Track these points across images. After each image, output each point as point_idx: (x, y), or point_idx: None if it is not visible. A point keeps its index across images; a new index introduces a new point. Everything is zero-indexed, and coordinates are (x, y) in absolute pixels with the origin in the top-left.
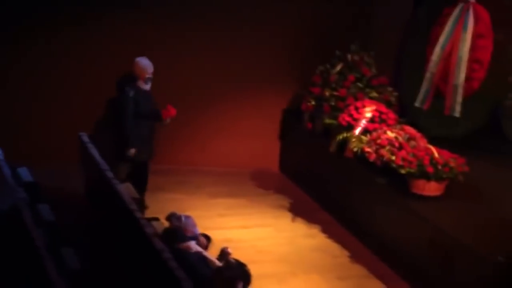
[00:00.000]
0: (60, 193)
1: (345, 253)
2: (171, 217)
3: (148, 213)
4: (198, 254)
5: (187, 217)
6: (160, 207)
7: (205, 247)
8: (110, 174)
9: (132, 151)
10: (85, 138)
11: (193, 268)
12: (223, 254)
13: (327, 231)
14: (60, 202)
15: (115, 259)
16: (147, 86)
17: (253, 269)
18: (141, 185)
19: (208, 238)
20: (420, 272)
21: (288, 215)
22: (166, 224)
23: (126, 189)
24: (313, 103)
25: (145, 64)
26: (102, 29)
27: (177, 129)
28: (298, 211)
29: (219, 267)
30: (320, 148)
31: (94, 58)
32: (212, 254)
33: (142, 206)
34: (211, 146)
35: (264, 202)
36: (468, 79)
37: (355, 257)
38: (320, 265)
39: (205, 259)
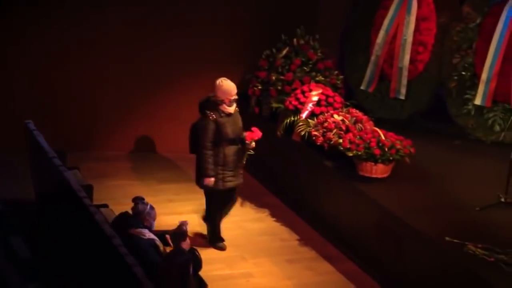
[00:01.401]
0: (7, 182)
1: (294, 236)
2: (138, 199)
3: (97, 200)
4: (151, 241)
5: (152, 207)
6: (109, 193)
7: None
8: (57, 162)
9: (211, 180)
10: (31, 125)
11: (144, 254)
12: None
13: (275, 214)
14: (7, 190)
15: (65, 247)
16: (231, 109)
17: (202, 253)
18: (222, 211)
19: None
20: (368, 253)
21: (237, 200)
22: (115, 211)
23: (74, 176)
24: (259, 87)
25: (229, 86)
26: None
27: (124, 116)
28: (246, 195)
29: (169, 252)
30: (267, 132)
31: (39, 45)
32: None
33: (215, 236)
34: (159, 132)
35: None
36: (412, 61)
37: (304, 240)
38: (269, 249)
39: (157, 247)
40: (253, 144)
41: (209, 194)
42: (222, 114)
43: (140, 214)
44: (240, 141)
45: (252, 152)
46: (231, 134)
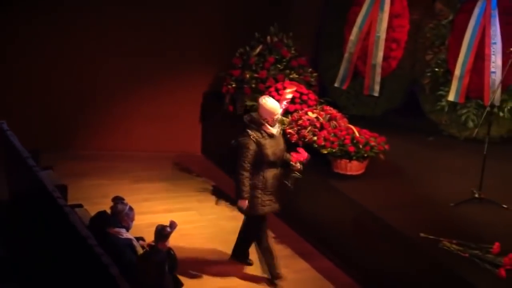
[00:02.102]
0: None
1: (269, 234)
2: (118, 199)
3: (71, 200)
4: (128, 240)
5: (131, 208)
6: (84, 193)
7: None
8: (31, 162)
9: (245, 203)
10: (5, 126)
11: (121, 253)
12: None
13: None
14: None
15: (41, 247)
16: (273, 129)
17: (178, 252)
18: (257, 238)
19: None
20: (344, 250)
21: (212, 198)
22: (90, 210)
23: (49, 176)
24: (233, 85)
25: (273, 105)
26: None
27: (99, 115)
28: (221, 193)
29: (145, 252)
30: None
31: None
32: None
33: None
34: (134, 131)
35: (188, 186)
36: (386, 58)
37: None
38: None
39: (134, 248)
40: (299, 165)
41: (247, 218)
42: (264, 135)
43: (119, 214)
44: (282, 163)
45: (299, 175)
46: (272, 156)
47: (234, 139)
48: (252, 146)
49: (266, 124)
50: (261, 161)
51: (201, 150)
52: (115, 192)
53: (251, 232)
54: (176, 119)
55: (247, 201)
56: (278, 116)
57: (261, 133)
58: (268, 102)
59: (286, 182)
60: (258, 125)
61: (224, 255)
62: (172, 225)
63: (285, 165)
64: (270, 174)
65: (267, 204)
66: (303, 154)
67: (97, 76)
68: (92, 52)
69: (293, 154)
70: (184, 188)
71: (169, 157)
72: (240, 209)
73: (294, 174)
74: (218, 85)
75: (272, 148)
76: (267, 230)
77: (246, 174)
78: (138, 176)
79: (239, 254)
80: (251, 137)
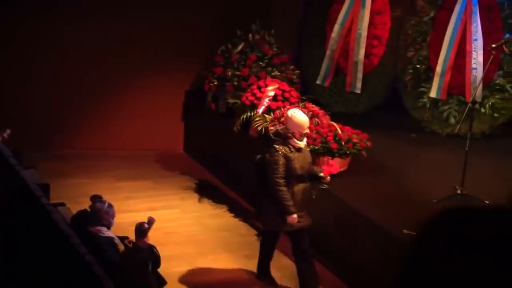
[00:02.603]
0: None
1: (252, 231)
2: (96, 198)
3: (54, 198)
4: (109, 239)
5: (111, 205)
6: (65, 192)
7: None
8: (13, 161)
9: (295, 217)
10: None
11: (103, 252)
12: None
13: (233, 210)
14: None
15: (23, 247)
16: (301, 143)
17: (161, 250)
18: (301, 256)
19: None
20: (326, 246)
21: (195, 196)
22: (72, 209)
23: (31, 175)
24: (215, 83)
25: (302, 118)
26: None
27: (81, 114)
28: (204, 191)
29: (128, 250)
30: (224, 128)
31: None
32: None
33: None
34: (116, 129)
35: (170, 184)
36: (367, 55)
37: None
38: (227, 245)
39: (115, 246)
40: (329, 178)
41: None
42: (292, 149)
43: (98, 212)
44: (310, 177)
45: (327, 187)
46: (300, 170)
47: (259, 154)
48: (282, 161)
49: (294, 139)
50: (289, 176)
51: (184, 148)
52: (98, 190)
53: (264, 248)
54: (159, 117)
55: (295, 215)
56: (307, 130)
57: (289, 148)
58: (297, 116)
59: (312, 193)
60: (285, 139)
61: (207, 252)
62: (150, 220)
63: (313, 177)
64: (299, 188)
65: (300, 220)
66: (335, 167)
67: (78, 75)
68: (72, 52)
69: (325, 167)
70: (167, 186)
71: (151, 155)
72: (289, 226)
73: (322, 187)
74: (200, 83)
75: (300, 162)
76: (308, 248)
77: (284, 188)
78: (121, 175)
79: (263, 272)
80: (280, 152)
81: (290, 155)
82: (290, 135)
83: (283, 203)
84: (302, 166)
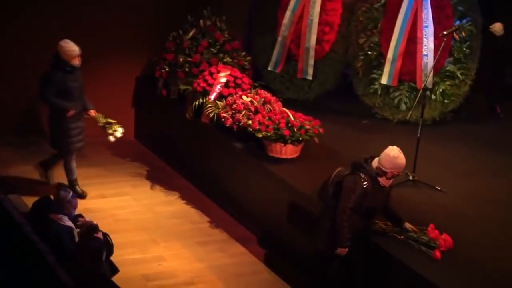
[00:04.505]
0: None
1: (205, 218)
2: (61, 186)
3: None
4: (69, 228)
5: (74, 196)
6: (16, 180)
7: None
8: None
9: (345, 251)
10: None
11: (60, 239)
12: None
13: (185, 197)
14: None
15: None
16: (387, 182)
17: (113, 238)
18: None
19: None
20: (279, 233)
21: (146, 183)
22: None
23: None
24: (167, 69)
25: (403, 161)
26: None
27: (28, 100)
28: (156, 178)
29: (82, 238)
30: (175, 114)
31: None
32: None
33: None
34: None
35: (122, 171)
36: (319, 41)
37: (215, 222)
38: (180, 232)
39: (73, 237)
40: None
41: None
42: (376, 186)
43: (61, 201)
44: (373, 214)
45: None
46: (369, 208)
47: (341, 166)
48: (361, 192)
49: (384, 177)
50: (358, 208)
51: (134, 135)
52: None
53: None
54: (109, 103)
55: (346, 250)
56: (400, 173)
57: (374, 183)
58: (400, 157)
59: None
60: (375, 174)
61: (159, 239)
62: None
63: (395, 220)
64: (356, 221)
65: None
66: (448, 242)
67: (25, 60)
68: (19, 35)
69: (441, 241)
70: (118, 173)
71: (101, 142)
72: (336, 256)
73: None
74: (151, 69)
75: (373, 199)
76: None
77: (348, 219)
78: None
79: None
80: (364, 184)
81: (371, 190)
82: (382, 172)
83: (341, 234)
84: (375, 205)
